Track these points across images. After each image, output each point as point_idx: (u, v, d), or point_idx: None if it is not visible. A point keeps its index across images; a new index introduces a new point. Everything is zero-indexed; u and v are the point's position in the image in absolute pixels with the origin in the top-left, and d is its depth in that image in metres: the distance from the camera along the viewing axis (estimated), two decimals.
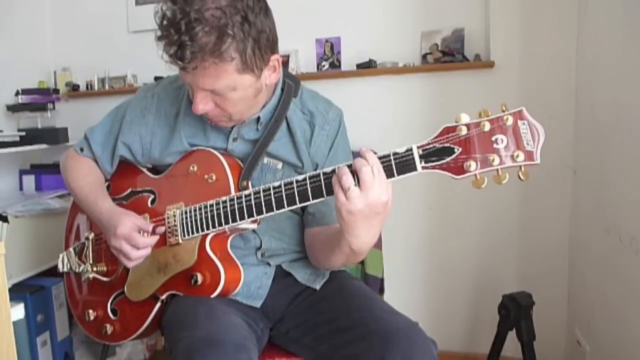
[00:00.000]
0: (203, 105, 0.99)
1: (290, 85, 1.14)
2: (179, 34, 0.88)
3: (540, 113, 0.82)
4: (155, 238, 1.10)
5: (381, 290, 1.61)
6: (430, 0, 1.89)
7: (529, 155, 0.81)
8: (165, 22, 0.91)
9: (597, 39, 1.56)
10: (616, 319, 1.40)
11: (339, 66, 1.97)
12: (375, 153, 0.88)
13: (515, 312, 1.59)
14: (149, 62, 2.06)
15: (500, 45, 1.80)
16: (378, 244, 1.61)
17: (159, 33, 0.92)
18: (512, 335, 1.63)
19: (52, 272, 1.71)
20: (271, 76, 1.03)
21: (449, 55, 1.85)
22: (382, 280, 1.61)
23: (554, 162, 1.79)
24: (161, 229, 1.11)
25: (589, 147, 1.64)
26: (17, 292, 1.65)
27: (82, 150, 1.26)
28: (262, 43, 0.95)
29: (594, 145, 1.59)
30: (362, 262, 1.58)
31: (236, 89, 0.97)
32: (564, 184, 1.81)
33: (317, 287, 1.15)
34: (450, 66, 1.84)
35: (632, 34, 1.29)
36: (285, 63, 1.97)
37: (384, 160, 0.87)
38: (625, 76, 1.32)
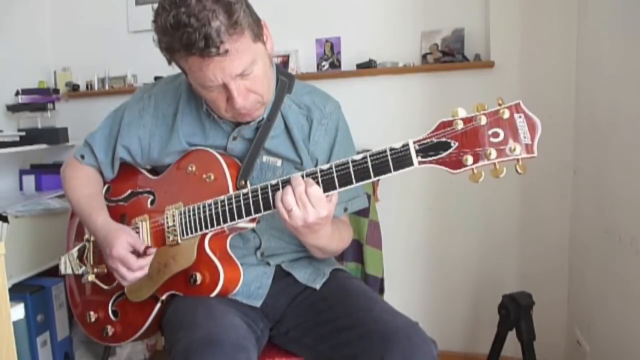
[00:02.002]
0: (242, 98, 1.00)
1: (284, 82, 1.15)
2: (196, 30, 0.89)
3: (540, 113, 0.82)
4: (149, 259, 1.09)
5: (381, 290, 1.62)
6: (430, 0, 1.89)
7: (526, 148, 0.80)
8: (174, 30, 0.91)
9: (597, 39, 1.56)
10: (616, 319, 1.40)
11: (339, 66, 1.97)
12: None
13: (515, 312, 1.59)
14: (149, 62, 2.05)
15: (500, 45, 1.80)
16: (378, 244, 1.61)
17: (176, 45, 0.92)
18: (512, 335, 1.63)
19: (52, 272, 1.71)
20: (269, 44, 1.05)
21: (449, 55, 1.85)
22: (382, 280, 1.61)
23: (554, 162, 1.79)
24: (152, 250, 1.10)
25: (589, 147, 1.64)
26: (17, 292, 1.65)
27: (82, 157, 1.25)
28: (251, 9, 0.99)
29: (594, 145, 1.59)
30: (362, 262, 1.58)
31: (257, 62, 0.99)
32: (564, 184, 1.81)
33: (317, 286, 1.15)
34: (450, 66, 1.84)
35: (632, 34, 1.29)
36: (285, 63, 1.97)
37: (381, 155, 0.87)
38: (625, 76, 1.32)
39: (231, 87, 0.97)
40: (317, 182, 0.92)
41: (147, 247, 1.10)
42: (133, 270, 1.07)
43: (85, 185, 1.23)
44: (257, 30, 0.99)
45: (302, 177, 0.94)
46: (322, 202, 0.93)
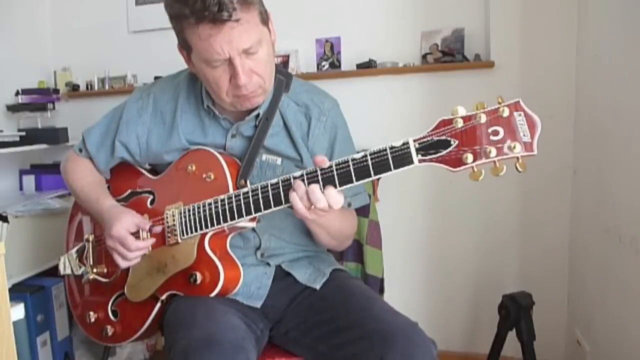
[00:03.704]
0: (246, 76, 1.00)
1: (282, 80, 1.15)
2: None
3: (540, 113, 0.82)
4: (149, 242, 1.10)
5: (381, 290, 1.61)
6: (430, 0, 1.89)
7: (526, 146, 0.81)
8: None
9: (597, 39, 1.56)
10: (616, 319, 1.40)
11: (339, 66, 1.97)
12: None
13: (515, 312, 1.59)
14: (149, 62, 2.09)
15: (500, 45, 1.80)
16: (378, 244, 1.61)
17: (187, 10, 0.93)
18: (512, 335, 1.63)
19: (52, 272, 1.71)
20: (273, 35, 1.07)
21: (449, 55, 1.85)
22: (382, 280, 1.61)
23: (554, 162, 1.79)
24: (158, 229, 1.11)
25: (589, 147, 1.64)
26: (17, 292, 1.65)
27: (80, 151, 1.27)
28: None
29: (594, 145, 1.59)
30: (362, 262, 1.58)
31: (262, 44, 1.01)
32: (564, 184, 1.81)
33: (317, 287, 1.15)
34: (450, 66, 1.84)
35: (632, 34, 1.29)
36: (285, 63, 1.97)
37: (381, 154, 0.87)
38: (625, 76, 1.32)
39: (236, 62, 0.98)
40: (317, 181, 0.92)
41: (152, 225, 1.11)
42: (131, 251, 1.08)
43: (88, 175, 1.25)
44: (265, 16, 1.03)
45: (304, 174, 0.93)
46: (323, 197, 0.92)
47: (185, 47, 1.04)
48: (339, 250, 1.29)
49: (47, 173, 2.07)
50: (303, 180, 0.93)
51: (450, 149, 0.83)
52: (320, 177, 0.92)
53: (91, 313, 1.21)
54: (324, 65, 1.98)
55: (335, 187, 0.91)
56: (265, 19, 1.03)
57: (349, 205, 1.18)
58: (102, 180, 1.26)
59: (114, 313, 1.19)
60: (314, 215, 0.95)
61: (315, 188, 0.91)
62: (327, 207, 0.92)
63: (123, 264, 1.11)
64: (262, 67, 1.03)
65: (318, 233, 1.11)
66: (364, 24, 1.95)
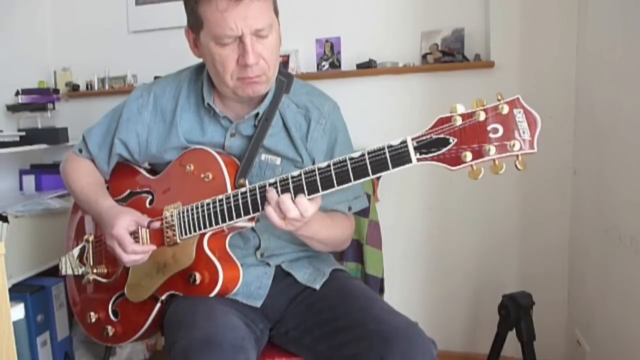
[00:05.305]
0: (254, 56, 1.01)
1: (282, 81, 1.15)
2: None
3: (540, 113, 0.82)
4: (147, 248, 1.09)
5: (381, 290, 1.62)
6: (430, 0, 1.89)
7: (526, 144, 0.80)
8: None
9: (597, 39, 1.56)
10: (616, 319, 1.40)
11: (339, 66, 1.97)
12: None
13: (515, 312, 1.59)
14: (149, 62, 2.09)
15: (500, 45, 1.80)
16: (378, 244, 1.61)
17: None
18: (512, 335, 1.63)
19: (52, 272, 1.71)
20: (280, 30, 1.09)
21: (449, 55, 1.85)
22: (382, 280, 1.61)
23: (554, 162, 1.79)
24: (156, 224, 1.10)
25: (589, 147, 1.64)
26: (17, 292, 1.65)
27: (80, 151, 1.26)
28: None
29: (594, 145, 1.59)
30: (362, 262, 1.58)
31: (272, 30, 1.03)
32: (564, 184, 1.81)
33: (317, 287, 1.15)
34: (450, 66, 1.84)
35: (632, 34, 1.29)
36: (285, 63, 1.97)
37: (379, 153, 0.87)
38: (625, 76, 1.32)
39: (247, 40, 0.99)
40: (316, 181, 0.92)
41: (150, 222, 1.10)
42: (127, 253, 1.07)
43: (87, 175, 1.25)
44: (277, 9, 1.07)
45: (302, 173, 0.93)
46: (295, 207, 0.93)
47: (195, 25, 1.04)
48: (337, 252, 1.29)
49: (47, 173, 2.07)
50: (276, 188, 0.94)
51: (449, 147, 0.82)
52: (318, 177, 0.92)
53: (92, 313, 1.21)
54: (324, 65, 1.98)
55: (334, 186, 0.91)
56: (277, 11, 1.06)
57: (350, 209, 1.17)
58: (101, 181, 1.26)
59: (115, 313, 1.19)
60: (290, 226, 0.95)
61: (285, 198, 0.92)
62: (299, 216, 0.92)
63: (122, 263, 1.10)
64: (269, 54, 1.04)
65: (308, 242, 1.11)
66: (364, 24, 1.95)
